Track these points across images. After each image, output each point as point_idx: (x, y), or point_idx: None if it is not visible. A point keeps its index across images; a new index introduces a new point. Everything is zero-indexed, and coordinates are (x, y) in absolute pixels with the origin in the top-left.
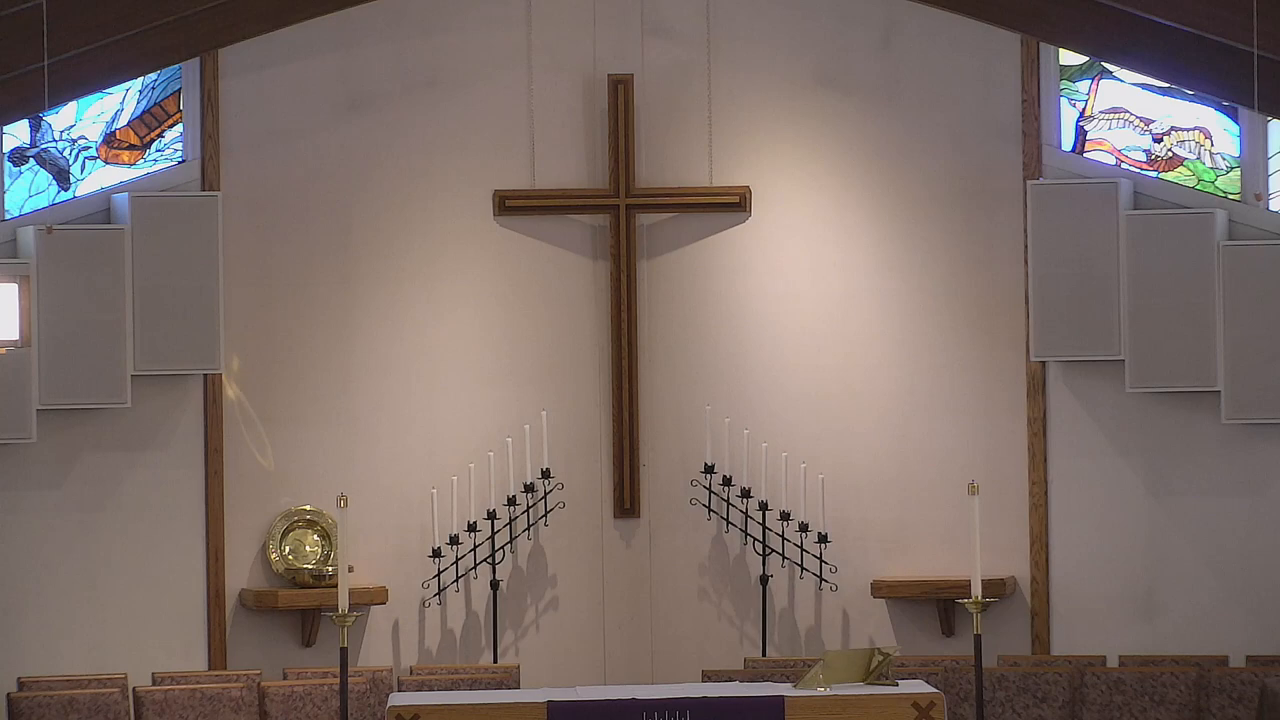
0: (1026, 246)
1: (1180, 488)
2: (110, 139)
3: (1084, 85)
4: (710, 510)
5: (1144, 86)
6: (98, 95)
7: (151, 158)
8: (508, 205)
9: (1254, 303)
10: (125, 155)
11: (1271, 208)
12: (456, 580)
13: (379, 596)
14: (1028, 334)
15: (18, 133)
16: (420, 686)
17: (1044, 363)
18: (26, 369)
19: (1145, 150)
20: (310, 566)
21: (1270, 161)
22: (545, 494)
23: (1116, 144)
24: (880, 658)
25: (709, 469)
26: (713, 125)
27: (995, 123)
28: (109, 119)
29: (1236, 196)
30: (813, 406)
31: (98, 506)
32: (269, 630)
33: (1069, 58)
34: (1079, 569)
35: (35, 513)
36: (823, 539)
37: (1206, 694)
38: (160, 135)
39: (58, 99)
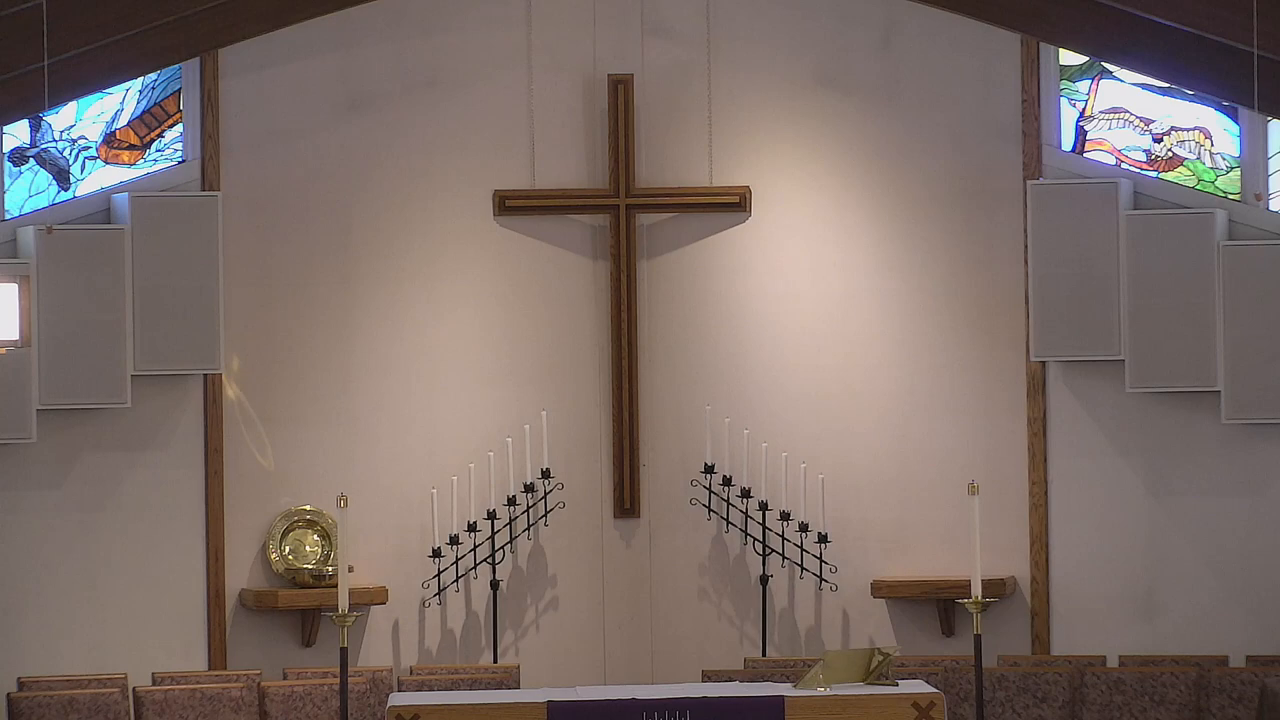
0: (1026, 246)
1: (1180, 488)
2: (110, 139)
3: (1084, 85)
4: (710, 510)
5: (1144, 86)
6: (98, 95)
7: (151, 158)
8: (508, 205)
9: (1254, 303)
10: (125, 155)
11: (1271, 208)
12: (456, 580)
13: (379, 596)
14: (1028, 334)
15: (18, 133)
16: (420, 686)
17: (1044, 363)
18: (26, 369)
19: (1145, 150)
20: (310, 566)
21: (1270, 161)
22: (545, 494)
23: (1116, 144)
24: (880, 658)
25: (709, 469)
26: (713, 125)
27: (995, 123)
28: (109, 119)
29: (1236, 196)
30: (813, 406)
31: (98, 506)
32: (269, 630)
33: (1069, 58)
34: (1079, 569)
35: (35, 513)
36: (823, 539)
37: (1206, 694)
38: (160, 135)
39: (58, 99)
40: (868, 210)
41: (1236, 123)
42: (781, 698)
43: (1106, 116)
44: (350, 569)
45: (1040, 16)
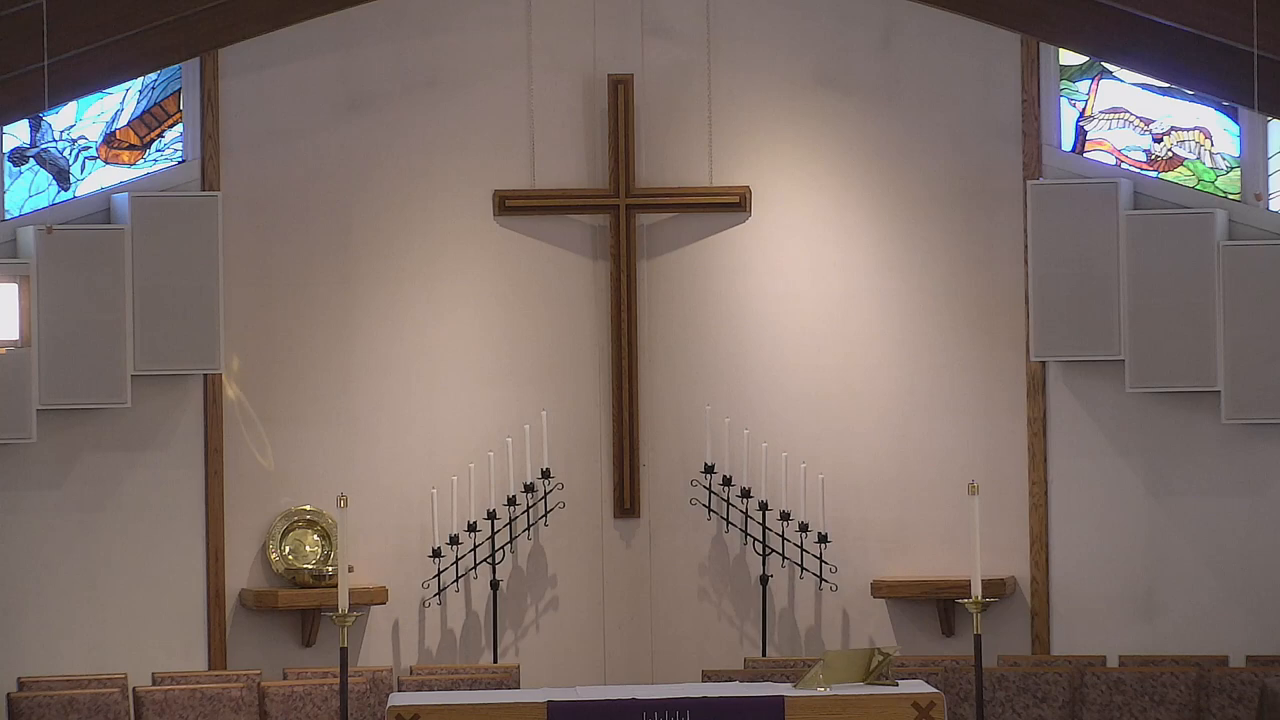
0: (1026, 246)
1: (1180, 488)
2: (110, 139)
3: (1084, 85)
4: (710, 510)
5: (1144, 86)
6: (98, 95)
7: (151, 158)
8: (508, 205)
9: (1254, 303)
10: (125, 155)
11: (1271, 208)
12: (456, 580)
13: (379, 596)
14: (1028, 334)
15: (18, 133)
16: (420, 686)
17: (1044, 363)
18: (26, 369)
19: (1145, 150)
20: (310, 566)
21: (1270, 161)
22: (545, 494)
23: (1116, 144)
24: (880, 658)
25: (709, 469)
26: (713, 125)
27: (995, 123)
28: (109, 119)
29: (1236, 196)
30: (813, 406)
31: (98, 506)
32: (269, 630)
33: (1069, 58)
34: (1079, 569)
35: (35, 513)
36: (823, 539)
37: (1206, 694)
38: (160, 135)
39: (58, 99)
40: (868, 210)
41: (1236, 123)
42: (781, 698)
43: (1106, 116)
44: (350, 569)
45: (1040, 16)
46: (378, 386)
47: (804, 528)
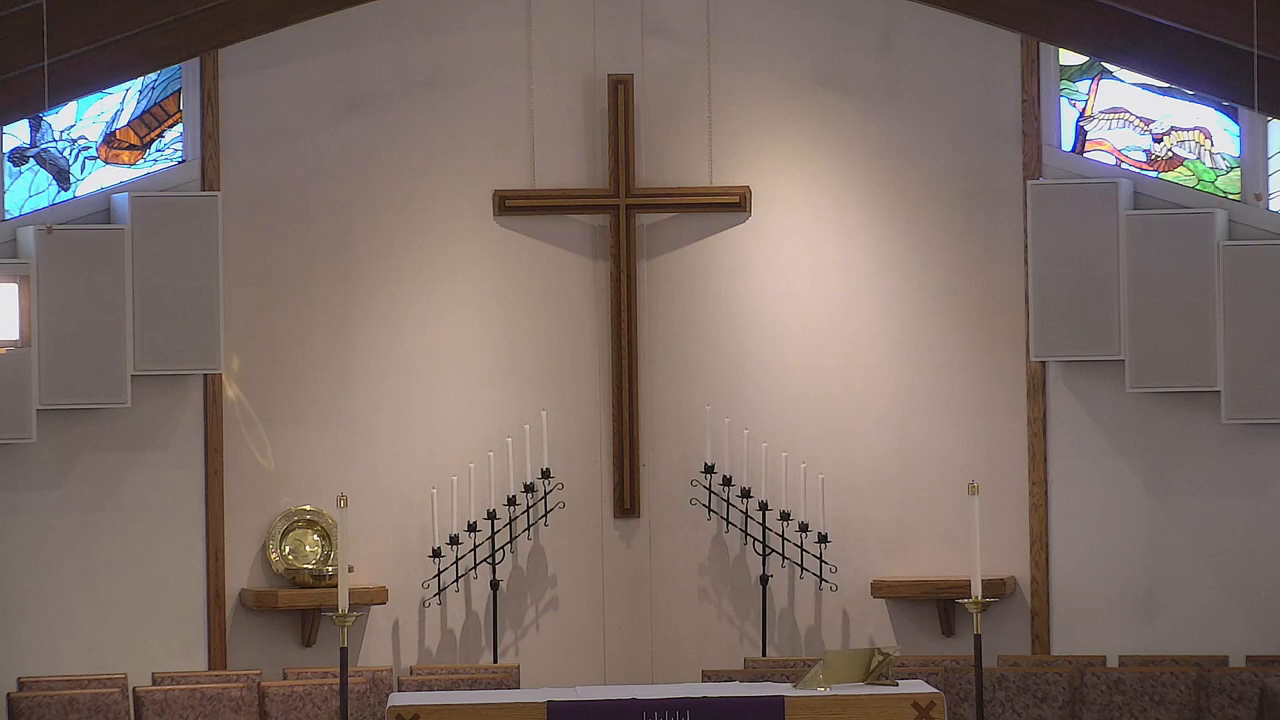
0: (1026, 246)
1: (1180, 488)
2: (110, 139)
3: (1084, 85)
4: (710, 510)
5: (1144, 86)
6: (98, 95)
7: (151, 158)
8: (508, 205)
9: (1254, 303)
10: (125, 155)
11: (1271, 208)
12: (456, 580)
13: (379, 596)
14: (1028, 334)
15: (18, 133)
16: (420, 686)
17: (1044, 363)
18: (26, 369)
19: (1145, 150)
20: (310, 566)
21: (1270, 161)
22: (545, 494)
23: (1116, 144)
24: (880, 658)
25: (709, 469)
26: (713, 125)
27: (995, 123)
28: (109, 119)
29: (1236, 196)
30: (813, 406)
31: (98, 506)
32: (269, 630)
33: (1069, 58)
34: (1079, 569)
35: (35, 513)
36: (823, 539)
37: (1206, 694)
38: (160, 135)
39: (58, 99)
40: (868, 210)
41: (1236, 123)
42: (781, 698)
43: (1106, 116)
44: (350, 569)
45: (1040, 16)
46: (378, 386)
47: (804, 528)
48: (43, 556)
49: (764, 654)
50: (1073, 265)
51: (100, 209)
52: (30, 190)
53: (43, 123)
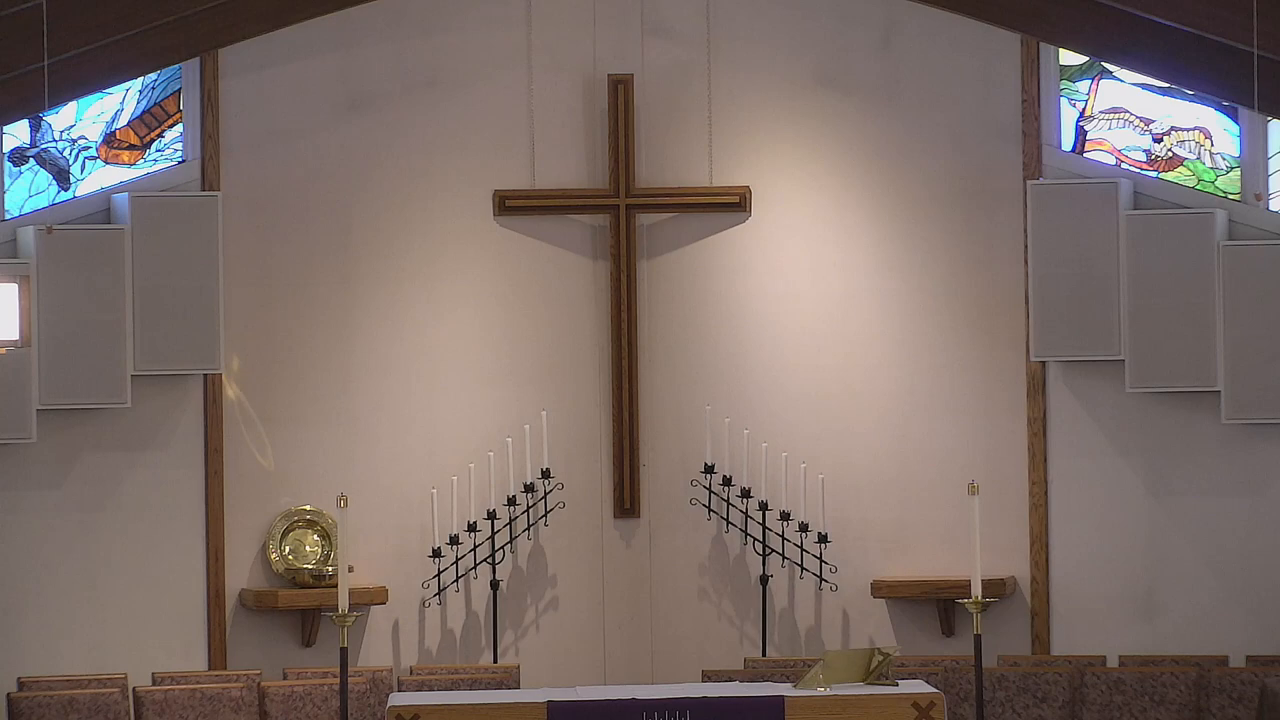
0: (1026, 246)
1: (1180, 488)
2: (110, 139)
3: (1084, 85)
4: (710, 510)
5: (1144, 86)
6: (98, 95)
7: (151, 158)
8: (508, 205)
9: (1254, 303)
10: (125, 155)
11: (1271, 208)
12: (456, 580)
13: (379, 596)
14: (1028, 334)
15: (18, 133)
16: (420, 686)
17: (1044, 363)
18: (26, 369)
19: (1145, 150)
20: (310, 566)
21: (1270, 161)
22: (545, 494)
23: (1116, 144)
24: (880, 658)
25: (709, 469)
26: (713, 125)
27: (995, 123)
28: (109, 119)
29: (1236, 196)
30: (813, 406)
31: (98, 506)
32: (269, 630)
33: (1069, 58)
34: (1079, 569)
35: (35, 513)
36: (823, 539)
37: (1206, 694)
38: (160, 135)
39: (58, 99)
40: (868, 210)
41: (1236, 123)
42: (781, 698)
43: (1106, 116)
44: (350, 569)
45: (1040, 16)
46: (378, 386)
47: (804, 528)
48: (43, 556)
49: (764, 654)
50: (1073, 265)
51: (100, 209)
52: (30, 190)
53: (43, 123)
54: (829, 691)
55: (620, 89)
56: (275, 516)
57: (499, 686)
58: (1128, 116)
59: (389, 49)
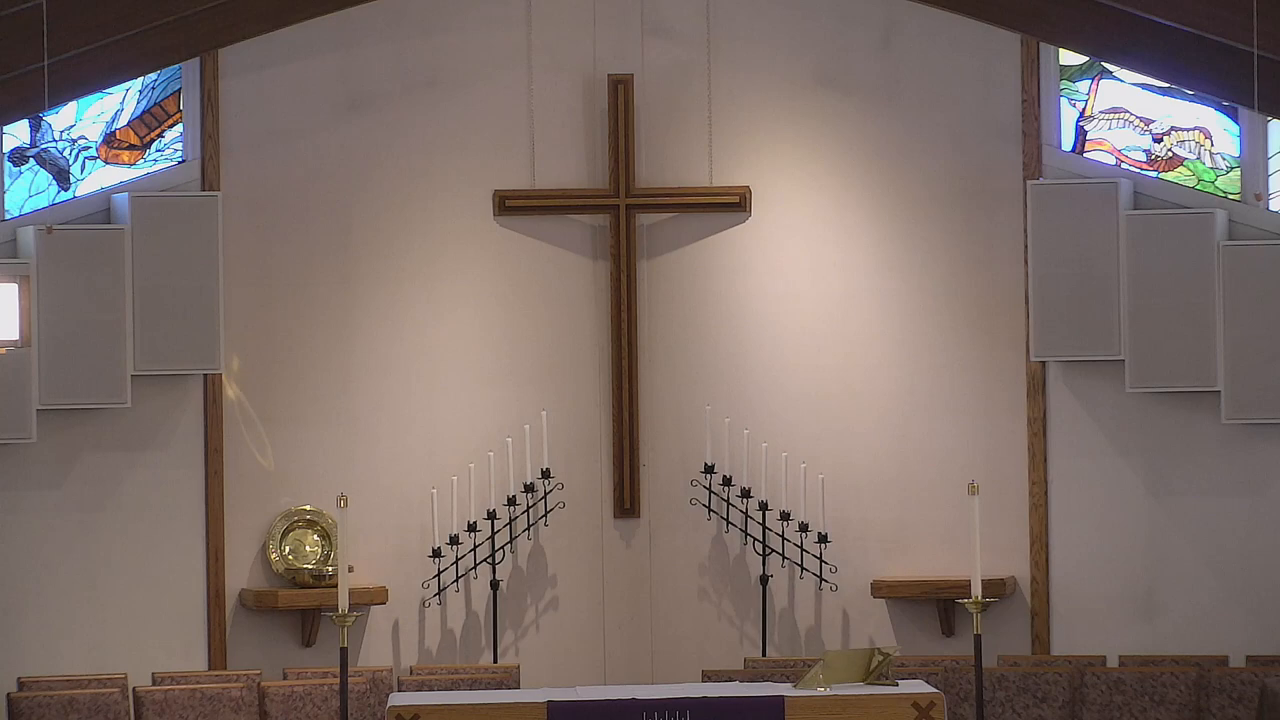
0: (1026, 246)
1: (1180, 488)
2: (110, 139)
3: (1084, 85)
4: (710, 510)
5: (1144, 86)
6: (98, 95)
7: (151, 158)
8: (508, 205)
9: (1254, 303)
10: (125, 155)
11: (1271, 208)
12: (456, 580)
13: (379, 596)
14: (1028, 334)
15: (18, 133)
16: (420, 686)
17: (1044, 363)
18: (26, 369)
19: (1145, 150)
20: (310, 566)
21: (1270, 161)
22: (545, 494)
23: (1116, 144)
24: (880, 658)
25: (709, 469)
26: (713, 125)
27: (995, 123)
28: (109, 119)
29: (1236, 196)
30: (813, 406)
31: (98, 506)
32: (269, 630)
33: (1069, 58)
34: (1079, 569)
35: (35, 513)
36: (823, 539)
37: (1206, 694)
38: (160, 135)
39: (58, 99)
40: (868, 210)
41: (1236, 123)
42: (781, 698)
43: (1106, 116)
44: (350, 569)
45: (1040, 16)
46: (378, 386)
47: (804, 528)
48: (43, 556)
49: (764, 654)
50: (1073, 265)
51: (100, 209)
52: (30, 190)
53: (43, 123)
54: (829, 691)
55: (620, 89)
56: (275, 516)
57: (499, 686)
58: (1128, 116)
59: (389, 49)
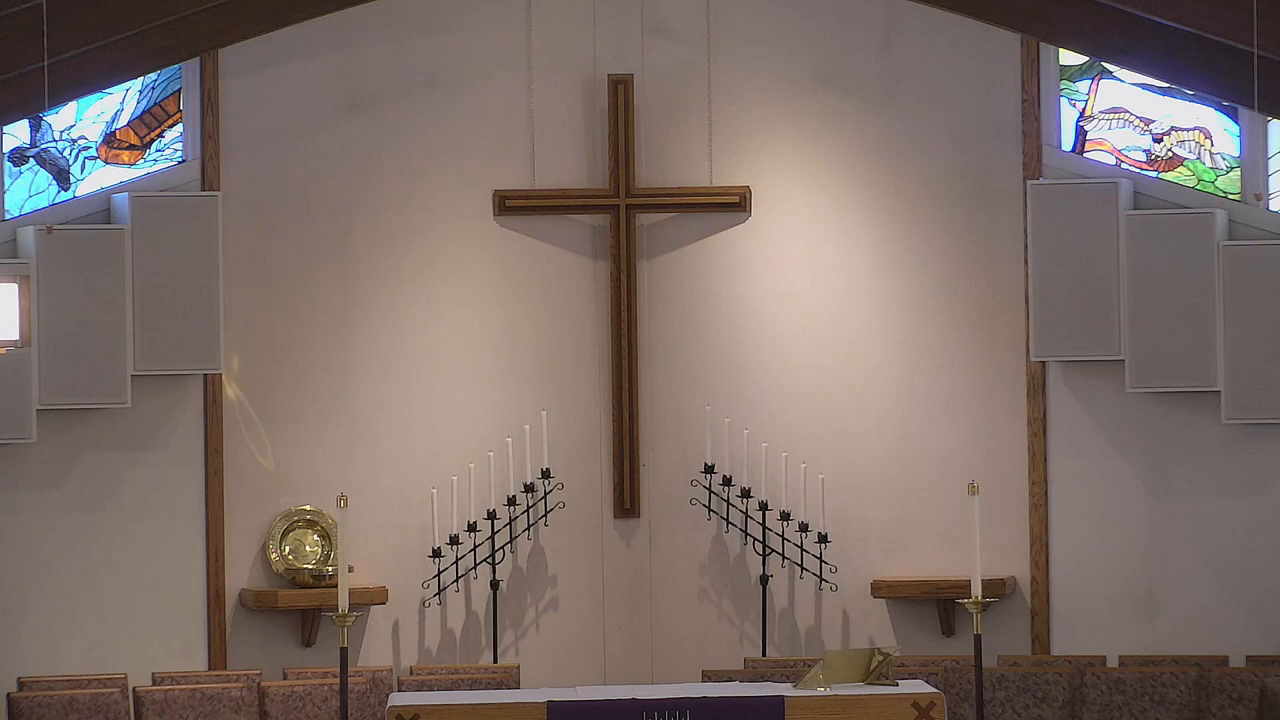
0: (1026, 246)
1: (1180, 488)
2: (110, 139)
3: (1084, 85)
4: (710, 510)
5: (1144, 86)
6: (98, 95)
7: (151, 158)
8: (508, 205)
9: (1254, 303)
10: (125, 155)
11: (1271, 208)
12: (456, 580)
13: (379, 596)
14: (1028, 334)
15: (18, 133)
16: (420, 686)
17: (1044, 363)
18: (26, 369)
19: (1145, 150)
20: (310, 566)
21: (1270, 161)
22: (545, 494)
23: (1116, 144)
24: (880, 658)
25: (709, 469)
26: (713, 125)
27: (995, 123)
28: (109, 119)
29: (1236, 196)
30: (813, 406)
31: (98, 506)
32: (269, 630)
33: (1069, 58)
34: (1079, 569)
35: (35, 513)
36: (823, 539)
37: (1206, 694)
38: (160, 135)
39: (58, 99)
40: (868, 210)
41: (1236, 123)
42: (781, 698)
43: (1106, 116)
44: (350, 569)
45: (1040, 16)
46: (378, 386)
47: (804, 528)
48: (43, 556)
49: (764, 654)
50: (1073, 265)
51: (100, 209)
52: (30, 190)
53: (43, 123)
54: (829, 691)
55: (620, 89)
56: (275, 516)
57: (499, 686)
58: (1128, 116)
59: (389, 49)
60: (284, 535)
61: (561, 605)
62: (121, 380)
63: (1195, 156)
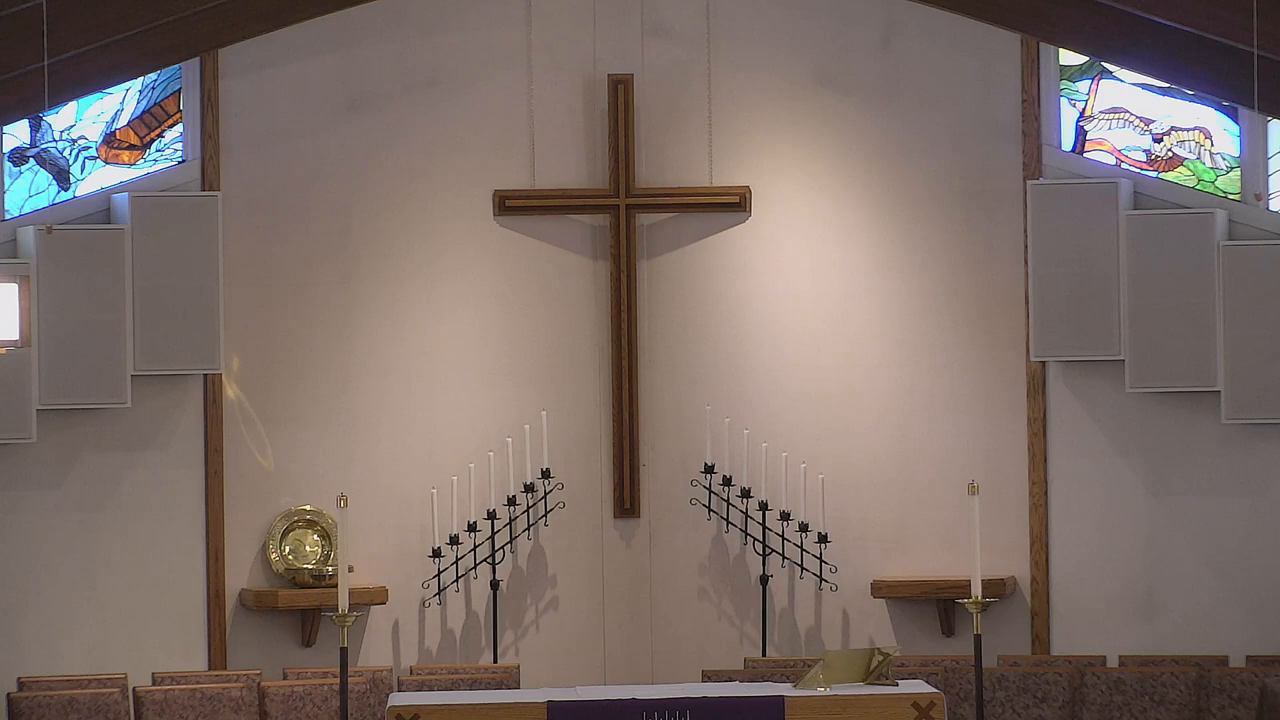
0: (1026, 246)
1: (1180, 488)
2: (110, 139)
3: (1084, 85)
4: (710, 510)
5: (1144, 86)
6: (98, 95)
7: (151, 158)
8: (508, 205)
9: (1254, 303)
10: (125, 155)
11: (1271, 208)
12: (456, 580)
13: (379, 596)
14: (1028, 334)
15: (18, 133)
16: (420, 686)
17: (1044, 363)
18: (26, 369)
19: (1145, 150)
20: (310, 566)
21: (1270, 161)
22: (545, 494)
23: (1116, 144)
24: (880, 658)
25: (709, 469)
26: (713, 125)
27: (995, 123)
28: (109, 119)
29: (1236, 196)
30: (813, 406)
31: (98, 506)
32: (269, 630)
33: (1069, 58)
34: (1079, 569)
35: (35, 513)
36: (823, 539)
37: (1206, 694)
38: (160, 135)
39: (58, 99)
40: (868, 210)
41: (1236, 123)
42: (781, 698)
43: (1106, 116)
44: (350, 569)
45: (1040, 16)
46: (378, 386)
47: (804, 528)
48: (43, 556)
49: (764, 654)
50: (1073, 265)
51: (100, 209)
52: (30, 190)
53: (43, 123)
54: (829, 691)
55: (620, 89)
56: (275, 516)
57: (499, 686)
58: (1128, 116)
59: (389, 49)
60: (284, 535)
61: (561, 605)
62: (121, 380)
63: (1195, 156)
